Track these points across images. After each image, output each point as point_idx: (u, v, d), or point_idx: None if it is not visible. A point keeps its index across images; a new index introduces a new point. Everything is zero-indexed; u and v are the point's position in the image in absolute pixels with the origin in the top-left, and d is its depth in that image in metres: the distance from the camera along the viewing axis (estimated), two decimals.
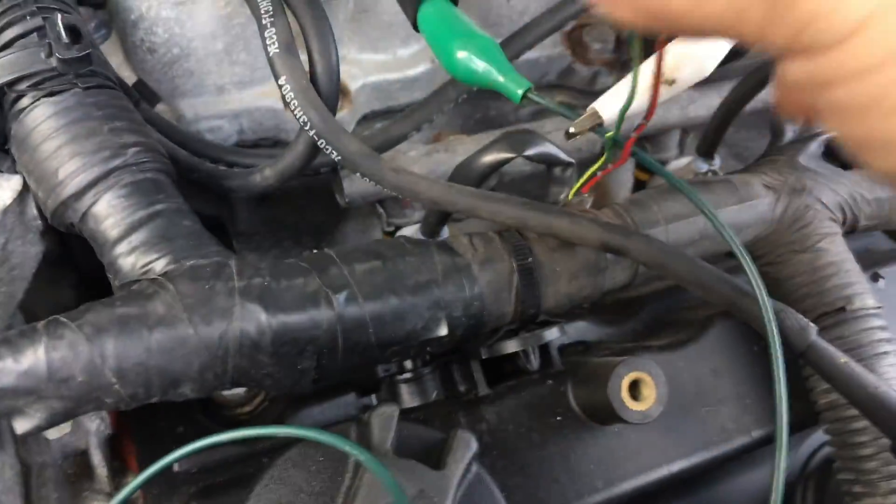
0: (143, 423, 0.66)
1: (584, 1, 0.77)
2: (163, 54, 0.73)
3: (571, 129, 0.58)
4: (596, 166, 0.60)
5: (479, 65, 0.61)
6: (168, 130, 0.70)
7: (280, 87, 0.60)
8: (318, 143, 0.60)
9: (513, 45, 0.76)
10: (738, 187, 0.68)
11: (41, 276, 0.67)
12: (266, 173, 0.66)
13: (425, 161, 0.79)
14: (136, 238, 0.54)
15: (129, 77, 0.76)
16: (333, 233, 0.91)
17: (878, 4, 0.26)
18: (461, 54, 0.62)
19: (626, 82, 0.54)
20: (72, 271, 0.78)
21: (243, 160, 0.72)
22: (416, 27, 0.67)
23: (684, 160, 0.91)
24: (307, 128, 0.60)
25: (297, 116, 0.60)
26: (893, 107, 0.27)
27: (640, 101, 0.54)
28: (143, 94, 0.71)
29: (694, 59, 0.57)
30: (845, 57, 0.28)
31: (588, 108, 0.59)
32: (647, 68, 0.53)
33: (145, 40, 0.73)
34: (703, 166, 0.87)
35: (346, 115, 0.82)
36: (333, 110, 0.62)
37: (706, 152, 0.85)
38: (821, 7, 0.27)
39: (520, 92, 0.60)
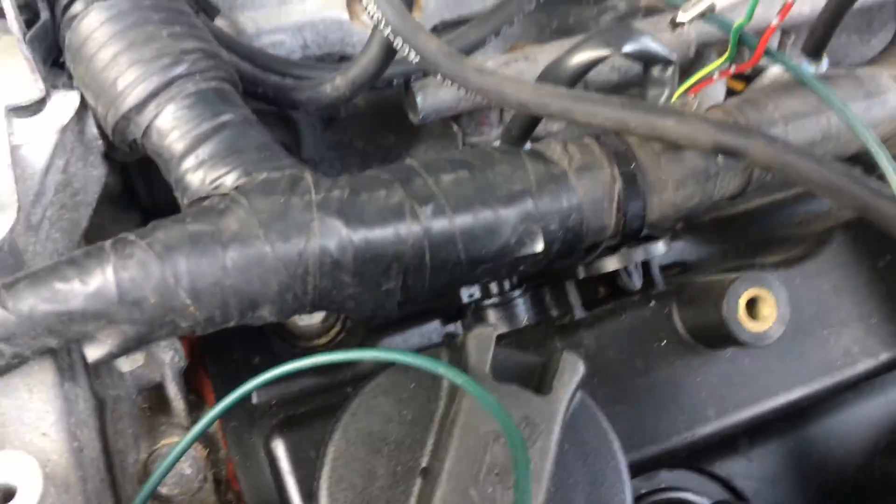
0: (217, 355, 0.63)
1: None
2: None
3: (680, 17, 0.51)
4: (718, 62, 0.53)
5: None
6: (229, 43, 0.65)
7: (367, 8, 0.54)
8: (394, 42, 0.54)
9: None
10: (865, 81, 0.60)
11: (105, 215, 0.64)
12: (337, 82, 0.60)
13: (504, 72, 0.72)
14: (203, 151, 0.50)
15: None
16: (405, 157, 0.85)
17: None
18: None
19: None
20: (136, 211, 0.74)
21: (310, 74, 0.67)
22: None
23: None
24: (381, 26, 0.54)
25: (371, 13, 0.54)
26: None
27: None
28: (201, 6, 0.66)
29: None
30: None
31: None
32: None
33: None
34: (811, 69, 0.78)
35: (420, 18, 0.75)
36: (410, 6, 0.56)
37: (814, 52, 0.77)
38: None
39: None
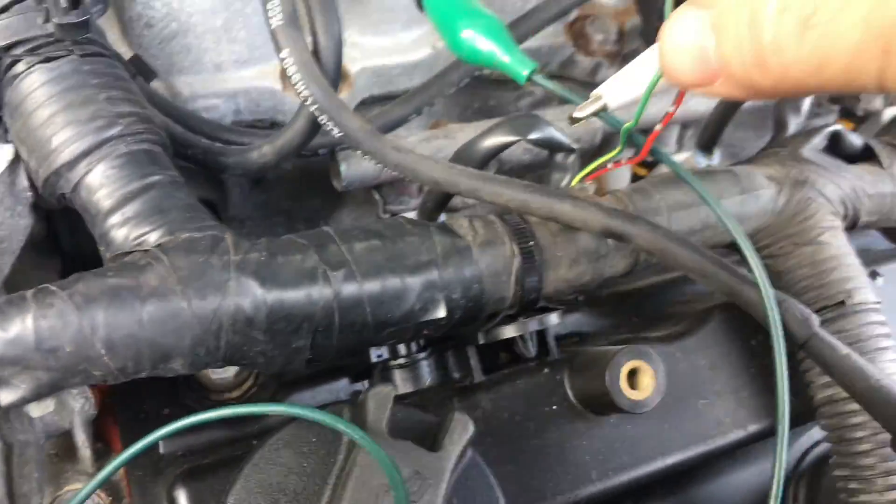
0: (127, 405, 0.65)
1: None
2: (160, 29, 0.72)
3: (576, 114, 0.57)
4: (610, 156, 0.59)
5: (485, 44, 0.61)
6: (164, 106, 0.68)
7: (282, 60, 0.58)
8: (320, 119, 0.59)
9: (517, 30, 0.75)
10: (741, 178, 0.67)
11: (26, 260, 0.65)
12: (264, 150, 0.65)
13: (424, 146, 0.78)
14: (129, 209, 0.53)
15: (126, 53, 0.74)
16: (328, 220, 0.90)
17: None
18: (466, 33, 0.61)
19: (631, 67, 0.53)
20: (58, 257, 0.76)
21: (240, 139, 0.71)
22: (420, 6, 0.66)
23: (683, 154, 0.90)
24: (308, 103, 0.59)
25: (299, 91, 0.59)
26: None
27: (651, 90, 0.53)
28: (139, 70, 0.70)
29: None
30: None
31: (592, 94, 0.58)
32: (651, 57, 0.52)
33: (143, 14, 0.71)
34: (703, 161, 0.86)
35: (345, 98, 0.80)
36: (335, 86, 0.61)
37: (706, 147, 0.85)
38: None
39: (525, 73, 0.60)
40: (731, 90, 0.38)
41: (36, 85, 0.55)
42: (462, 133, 0.79)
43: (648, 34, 0.88)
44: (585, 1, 0.76)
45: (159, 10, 0.71)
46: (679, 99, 0.52)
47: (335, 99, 0.58)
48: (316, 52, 0.60)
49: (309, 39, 0.60)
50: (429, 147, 0.78)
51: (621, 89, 0.54)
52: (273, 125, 0.79)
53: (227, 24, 0.73)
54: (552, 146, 0.65)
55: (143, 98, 0.59)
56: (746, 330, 0.69)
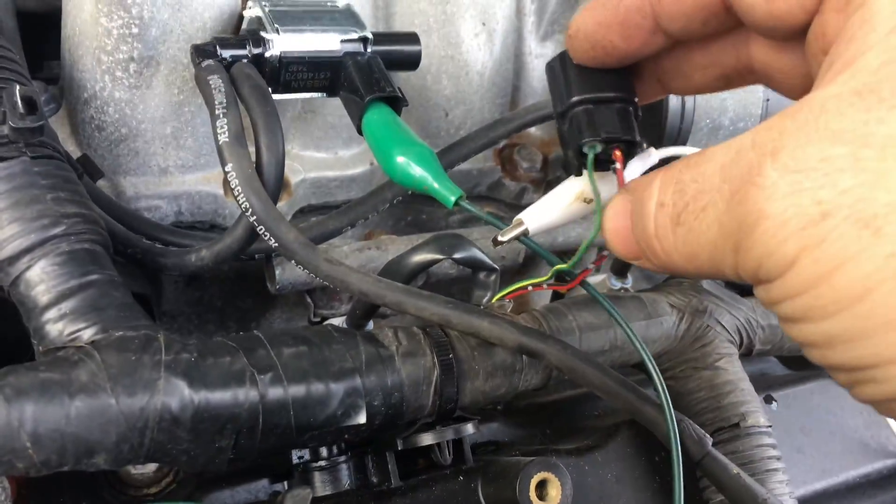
0: (44, 497, 0.64)
1: (516, 123, 0.83)
2: (110, 133, 0.76)
3: (499, 237, 0.62)
4: (533, 281, 0.64)
5: (416, 170, 0.66)
6: (107, 205, 0.71)
7: (226, 173, 0.62)
8: (258, 228, 0.62)
9: (448, 156, 0.81)
10: (647, 304, 0.73)
11: None
12: (202, 254, 0.68)
13: (357, 256, 0.82)
14: (66, 305, 0.55)
15: (74, 151, 0.78)
16: (259, 320, 0.92)
17: (800, 248, 0.35)
18: (400, 159, 0.66)
19: (551, 196, 0.59)
20: None
21: (179, 240, 0.74)
22: (359, 131, 0.71)
23: (599, 277, 0.96)
24: (248, 213, 0.62)
25: (240, 202, 0.62)
26: (823, 315, 0.36)
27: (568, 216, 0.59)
28: (86, 169, 0.73)
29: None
30: (786, 284, 0.36)
31: (515, 219, 0.63)
32: (572, 187, 0.58)
33: (95, 118, 0.75)
34: (617, 284, 0.92)
35: (285, 206, 0.85)
36: (275, 200, 0.65)
37: (620, 271, 0.91)
38: (763, 255, 0.36)
39: (452, 198, 0.65)
40: (650, 266, 0.45)
41: None
42: (393, 245, 0.84)
43: (568, 165, 0.96)
44: (514, 133, 0.83)
45: (111, 115, 0.75)
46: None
47: (274, 212, 0.62)
48: (259, 167, 0.64)
49: (253, 151, 0.65)
50: (360, 257, 0.82)
51: (541, 215, 0.59)
52: (213, 227, 0.83)
53: (175, 132, 0.77)
54: (475, 265, 0.70)
55: (88, 199, 0.61)
56: (650, 447, 0.73)
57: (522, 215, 0.62)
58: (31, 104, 0.59)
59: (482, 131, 0.82)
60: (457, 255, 0.68)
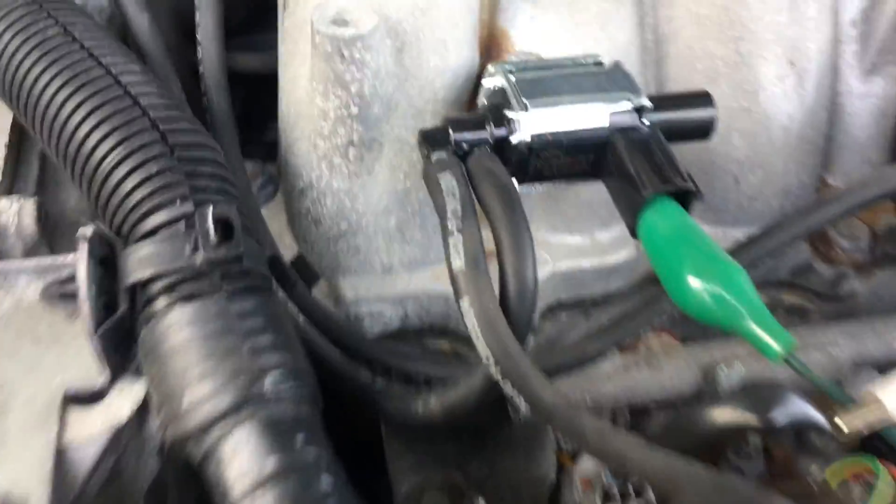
0: None
1: (846, 205, 0.61)
2: (329, 227, 0.64)
3: (843, 425, 0.42)
4: None
5: (722, 301, 0.47)
6: (322, 321, 0.59)
7: (460, 309, 0.47)
8: (502, 384, 0.47)
9: (748, 254, 0.61)
10: None
11: None
12: (431, 402, 0.53)
13: (621, 379, 0.64)
14: (263, 499, 0.43)
15: (290, 245, 0.67)
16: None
17: None
18: (695, 283, 0.48)
19: None
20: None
21: (404, 365, 0.60)
22: (634, 234, 0.53)
23: None
24: (490, 362, 0.47)
25: (479, 348, 0.47)
26: None
27: None
28: (301, 273, 0.61)
29: None
30: None
31: (865, 394, 0.43)
32: None
33: (311, 210, 0.64)
34: None
35: None
36: (524, 340, 0.48)
37: None
38: None
39: (778, 349, 0.45)
40: None
41: (174, 328, 0.46)
42: (671, 363, 0.64)
43: None
44: (843, 218, 0.61)
45: (329, 207, 0.63)
46: None
47: (523, 363, 0.46)
48: (504, 300, 0.48)
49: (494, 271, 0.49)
50: (626, 379, 0.63)
51: None
52: (444, 332, 0.68)
53: (401, 225, 0.64)
54: (803, 426, 0.49)
55: (296, 341, 0.49)
56: None
57: (879, 389, 0.42)
58: (227, 228, 0.47)
59: (797, 218, 0.61)
60: (777, 418, 0.48)
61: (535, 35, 0.66)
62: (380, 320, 0.66)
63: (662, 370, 0.64)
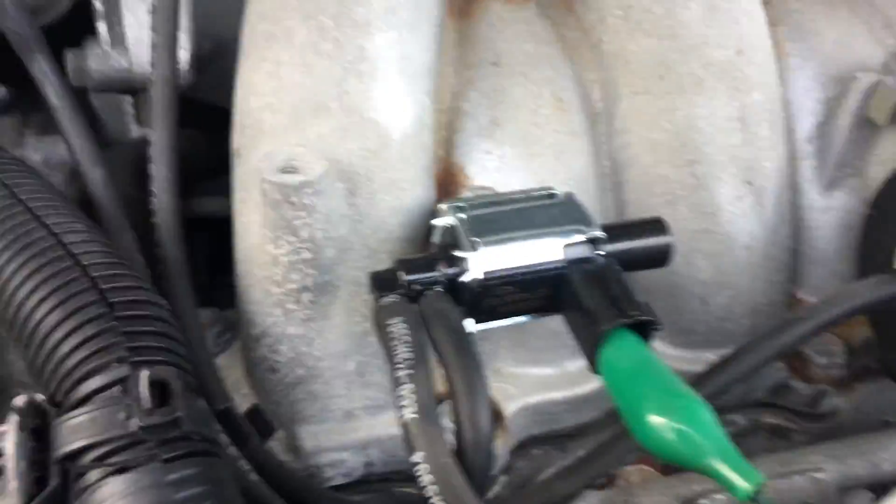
0: None
1: (815, 322, 0.59)
2: (285, 374, 0.62)
3: None
4: None
5: (685, 439, 0.45)
6: (276, 477, 0.56)
7: (412, 465, 0.45)
8: None
9: (718, 378, 0.59)
10: None
11: None
12: None
13: None
14: None
15: (247, 395, 0.64)
16: None
17: None
18: (655, 420, 0.45)
19: None
20: None
21: None
22: (594, 370, 0.51)
23: None
24: None
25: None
26: None
27: None
28: (256, 424, 0.59)
29: None
30: None
31: None
32: None
33: (267, 357, 0.62)
34: None
35: (500, 446, 0.65)
36: (483, 493, 0.46)
37: None
38: None
39: (746, 487, 0.42)
40: None
41: (108, 500, 0.43)
42: (650, 498, 0.61)
43: (888, 352, 0.69)
44: (813, 337, 0.59)
45: (285, 353, 0.61)
46: None
47: None
48: (460, 450, 0.45)
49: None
50: None
51: None
52: (409, 478, 0.65)
53: (360, 368, 0.62)
54: None
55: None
56: None
57: None
58: (163, 391, 0.45)
59: (767, 338, 0.59)
60: None
61: (490, 169, 0.66)
62: (342, 469, 0.63)
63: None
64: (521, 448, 0.68)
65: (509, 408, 0.66)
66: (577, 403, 0.68)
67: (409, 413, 0.45)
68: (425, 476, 0.44)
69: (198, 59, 0.78)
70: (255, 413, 0.60)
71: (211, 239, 0.87)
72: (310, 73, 0.60)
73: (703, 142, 0.67)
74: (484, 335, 0.66)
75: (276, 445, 0.62)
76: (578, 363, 0.69)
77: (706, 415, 0.45)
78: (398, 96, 0.61)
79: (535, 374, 0.68)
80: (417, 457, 0.45)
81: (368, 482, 0.65)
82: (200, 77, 0.79)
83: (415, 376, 0.46)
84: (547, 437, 0.69)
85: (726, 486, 0.43)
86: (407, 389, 0.46)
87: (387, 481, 0.65)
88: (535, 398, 0.67)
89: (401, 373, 0.47)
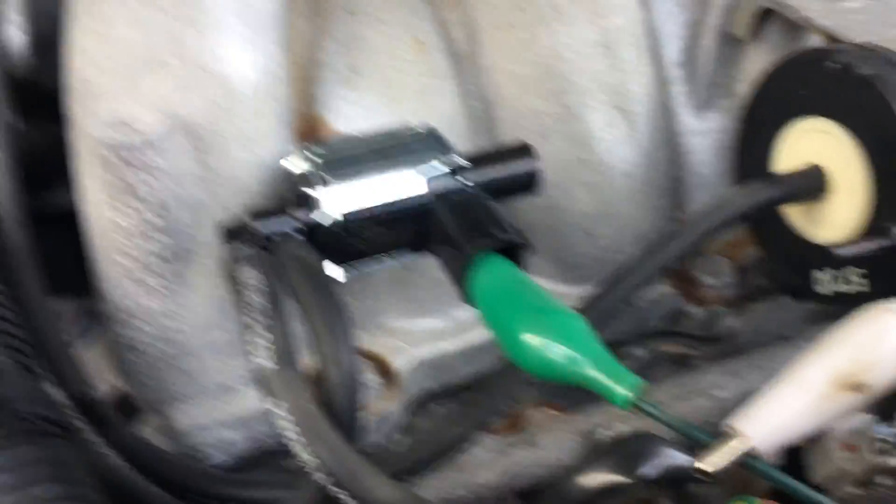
0: None
1: (696, 234, 0.58)
2: (149, 352, 0.57)
3: (706, 467, 0.38)
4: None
5: (558, 353, 0.42)
6: (147, 462, 0.52)
7: (273, 415, 0.41)
8: (336, 494, 0.40)
9: (603, 303, 0.57)
10: None
11: None
12: None
13: (500, 461, 0.58)
14: None
15: (112, 380, 0.59)
16: None
17: None
18: (529, 338, 0.43)
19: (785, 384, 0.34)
20: None
21: (249, 494, 0.53)
22: (468, 300, 0.49)
23: None
24: (317, 472, 0.40)
25: (302, 458, 0.41)
26: None
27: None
28: (122, 410, 0.54)
29: None
30: None
31: (725, 425, 0.39)
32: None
33: (127, 336, 0.57)
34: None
35: (394, 407, 0.62)
36: (355, 438, 0.42)
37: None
38: None
39: (624, 394, 0.41)
40: None
41: None
42: (549, 437, 0.59)
43: (777, 268, 0.68)
44: (696, 248, 0.58)
45: (146, 331, 0.56)
46: None
47: (357, 464, 0.40)
48: (326, 395, 0.42)
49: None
50: (506, 462, 0.58)
51: (773, 418, 0.36)
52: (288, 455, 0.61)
53: (231, 337, 0.58)
54: (679, 479, 0.44)
55: (89, 490, 0.42)
56: None
57: (736, 419, 0.38)
58: None
59: (647, 256, 0.58)
60: (647, 473, 0.43)
61: (353, 117, 0.63)
62: (224, 447, 0.59)
63: (541, 446, 0.59)
64: (420, 405, 0.65)
65: (397, 361, 0.63)
66: (471, 353, 0.65)
67: (266, 362, 0.42)
68: (287, 428, 0.41)
69: (39, 39, 0.72)
70: (120, 398, 0.55)
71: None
72: (143, 28, 0.56)
73: (569, 70, 0.65)
74: (366, 291, 0.63)
75: (149, 431, 0.58)
76: (468, 310, 0.66)
77: (580, 326, 0.43)
78: (242, 47, 0.57)
79: (423, 326, 0.65)
80: (278, 407, 0.41)
81: (258, 460, 0.61)
82: (45, 61, 0.73)
83: (271, 325, 0.43)
84: (446, 393, 0.66)
85: (606, 395, 0.41)
86: (260, 339, 0.42)
87: (278, 455, 0.61)
88: (425, 349, 0.64)
89: (253, 323, 0.43)
